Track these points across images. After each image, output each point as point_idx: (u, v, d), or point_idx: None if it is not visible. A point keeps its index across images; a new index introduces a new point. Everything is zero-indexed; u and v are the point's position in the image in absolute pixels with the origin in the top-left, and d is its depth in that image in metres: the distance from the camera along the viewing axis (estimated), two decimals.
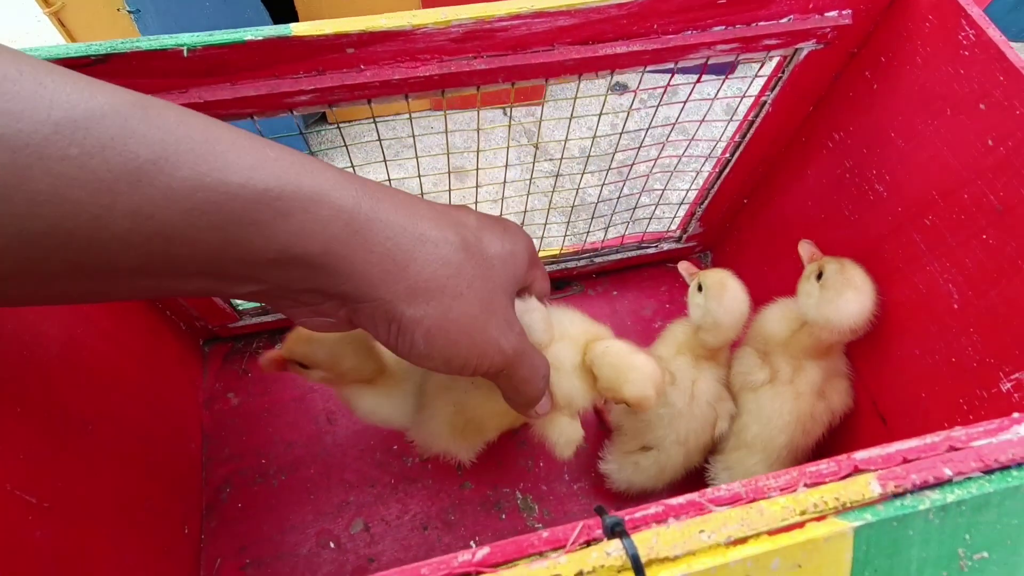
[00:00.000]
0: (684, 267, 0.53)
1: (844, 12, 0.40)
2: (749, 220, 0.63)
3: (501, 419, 0.43)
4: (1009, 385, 0.38)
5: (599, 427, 0.59)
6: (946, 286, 0.41)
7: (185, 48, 0.30)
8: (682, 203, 0.62)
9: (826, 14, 0.40)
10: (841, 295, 0.43)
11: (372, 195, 0.26)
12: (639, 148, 0.50)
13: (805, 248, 0.50)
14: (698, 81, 0.43)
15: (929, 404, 0.44)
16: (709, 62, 0.41)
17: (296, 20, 0.76)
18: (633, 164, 0.52)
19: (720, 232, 0.68)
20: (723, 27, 0.38)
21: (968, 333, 0.40)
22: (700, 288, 0.48)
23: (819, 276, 0.46)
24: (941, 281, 0.41)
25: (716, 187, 0.58)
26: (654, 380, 0.38)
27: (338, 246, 0.25)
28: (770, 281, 0.61)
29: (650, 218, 0.63)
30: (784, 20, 0.39)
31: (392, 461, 0.57)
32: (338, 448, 0.57)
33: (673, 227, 0.66)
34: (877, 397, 0.49)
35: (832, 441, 0.51)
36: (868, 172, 0.46)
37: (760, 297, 0.60)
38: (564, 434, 0.41)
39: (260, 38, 0.31)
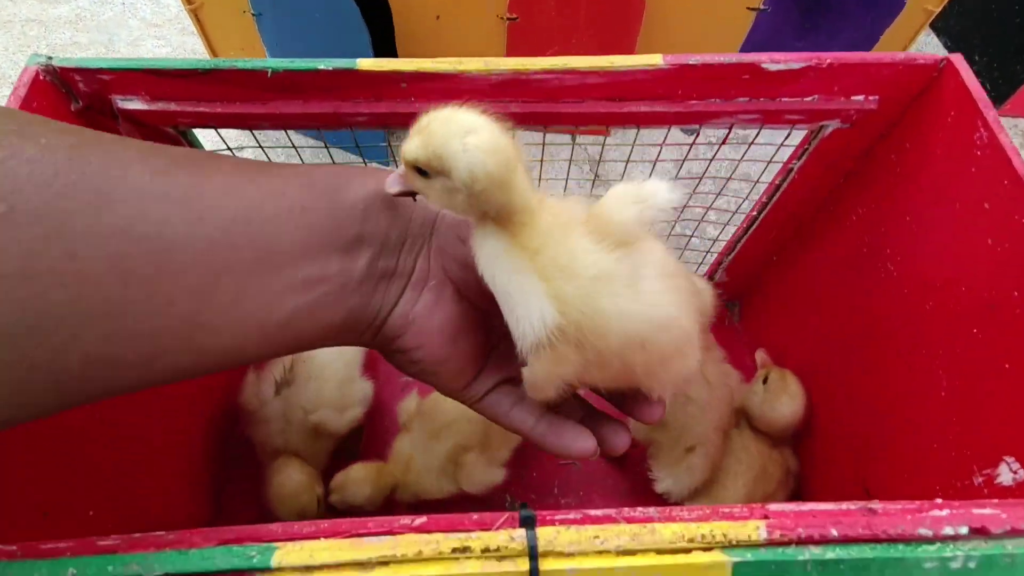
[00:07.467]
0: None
1: (871, 98, 0.42)
2: (776, 277, 0.64)
3: None
4: (980, 480, 0.38)
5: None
6: (936, 372, 0.42)
7: (269, 71, 0.36)
8: (708, 251, 0.65)
9: (852, 97, 0.42)
10: (778, 398, 0.55)
11: None
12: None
13: (760, 356, 0.61)
14: (722, 143, 0.46)
15: (912, 487, 0.45)
16: (734, 129, 0.44)
17: (392, 39, 0.84)
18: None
19: (748, 283, 0.69)
20: (746, 99, 0.41)
21: (952, 424, 0.41)
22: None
23: (765, 380, 0.56)
24: (933, 367, 0.42)
25: (743, 241, 0.60)
26: None
27: None
28: (789, 339, 0.62)
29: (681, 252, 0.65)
30: (808, 99, 0.42)
31: None
32: None
33: (701, 272, 0.69)
34: (866, 476, 0.50)
35: None
36: (884, 250, 0.47)
37: (779, 355, 0.62)
38: None
39: (330, 68, 0.37)
